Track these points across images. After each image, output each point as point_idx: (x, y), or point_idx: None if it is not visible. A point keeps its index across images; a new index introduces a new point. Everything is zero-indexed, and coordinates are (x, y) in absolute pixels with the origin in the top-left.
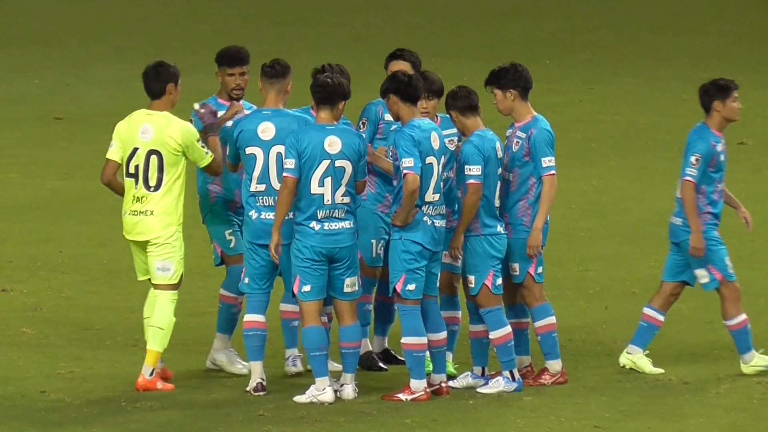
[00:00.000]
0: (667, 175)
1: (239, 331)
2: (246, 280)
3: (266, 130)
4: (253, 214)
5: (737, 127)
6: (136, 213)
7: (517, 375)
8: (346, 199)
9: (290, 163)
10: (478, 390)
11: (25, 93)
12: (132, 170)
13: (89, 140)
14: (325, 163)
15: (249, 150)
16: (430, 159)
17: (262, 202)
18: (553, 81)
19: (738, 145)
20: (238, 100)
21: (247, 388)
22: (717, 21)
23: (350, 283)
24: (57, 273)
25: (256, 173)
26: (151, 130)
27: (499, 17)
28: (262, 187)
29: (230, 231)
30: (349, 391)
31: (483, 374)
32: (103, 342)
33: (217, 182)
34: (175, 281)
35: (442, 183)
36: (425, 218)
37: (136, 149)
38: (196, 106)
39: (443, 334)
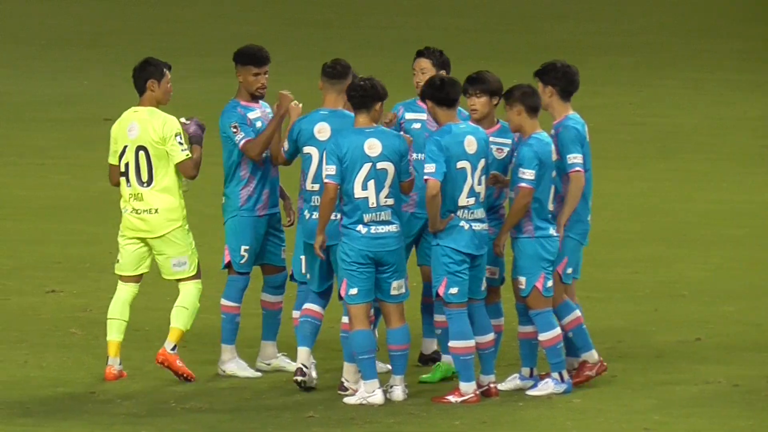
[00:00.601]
0: (712, 177)
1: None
2: (306, 274)
3: (322, 130)
4: (307, 213)
5: None
6: (138, 211)
7: (566, 376)
8: (390, 201)
9: (331, 169)
10: (527, 392)
11: (72, 94)
12: (123, 168)
13: None
14: (367, 166)
15: (306, 149)
16: (462, 163)
17: (315, 202)
18: (598, 84)
19: None
20: (261, 99)
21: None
22: (761, 24)
23: (397, 286)
24: (106, 274)
25: (311, 173)
26: (137, 126)
27: (546, 20)
28: (316, 187)
29: (247, 247)
30: (398, 392)
31: (531, 375)
32: (152, 343)
33: (251, 188)
34: (194, 272)
35: (481, 187)
36: (462, 223)
37: (125, 147)
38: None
39: (490, 336)
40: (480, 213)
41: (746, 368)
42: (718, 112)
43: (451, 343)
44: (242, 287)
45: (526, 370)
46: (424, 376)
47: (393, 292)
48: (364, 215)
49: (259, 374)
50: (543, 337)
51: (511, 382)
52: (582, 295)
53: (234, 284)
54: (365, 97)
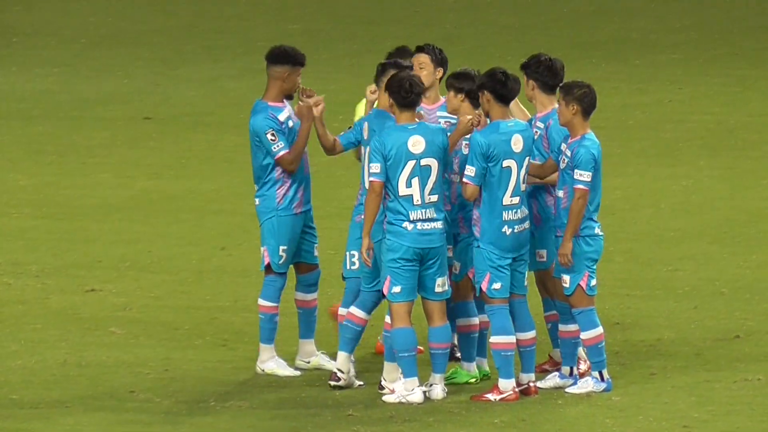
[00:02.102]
0: (756, 175)
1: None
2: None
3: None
4: (507, 229)
5: None
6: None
7: (606, 375)
8: (434, 198)
9: (376, 167)
10: (567, 390)
11: (115, 93)
12: None
13: (179, 140)
14: (411, 163)
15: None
16: (508, 162)
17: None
18: (642, 81)
19: None
20: (291, 98)
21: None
22: None
23: (441, 283)
24: (146, 273)
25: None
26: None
27: (589, 17)
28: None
29: (285, 247)
30: (438, 391)
31: (571, 374)
32: (192, 342)
33: (286, 187)
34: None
35: (525, 185)
36: (504, 228)
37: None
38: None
39: (532, 333)
40: (523, 212)
41: None
42: (763, 110)
43: (493, 339)
44: (280, 287)
45: (566, 369)
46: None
47: (437, 290)
48: (410, 212)
49: (298, 373)
50: (585, 335)
51: (551, 381)
52: (622, 293)
53: (272, 284)
54: (414, 95)
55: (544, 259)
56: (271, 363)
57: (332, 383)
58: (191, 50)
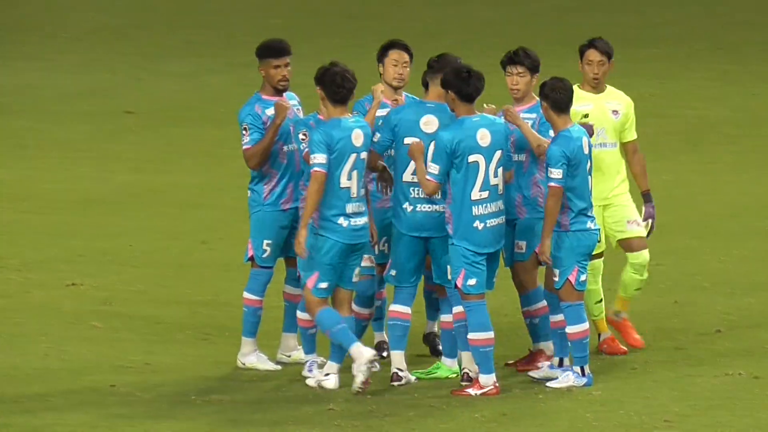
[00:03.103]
0: (737, 170)
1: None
2: (392, 272)
3: (429, 122)
4: (408, 206)
5: None
6: None
7: (587, 371)
8: (363, 191)
9: (321, 158)
10: (548, 384)
11: (96, 87)
12: None
13: (160, 134)
14: (353, 156)
15: (407, 140)
16: (475, 157)
17: (416, 194)
18: (623, 76)
19: None
20: (284, 91)
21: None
22: None
23: (358, 273)
24: (127, 267)
25: (411, 166)
26: None
27: (571, 12)
28: (485, 194)
29: (269, 242)
30: (334, 381)
31: (561, 365)
32: (173, 336)
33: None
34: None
35: (498, 180)
36: (476, 223)
37: None
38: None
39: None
40: (496, 206)
41: (767, 360)
42: (744, 105)
43: (471, 335)
44: (265, 281)
45: (556, 360)
46: (418, 371)
47: (354, 279)
48: (346, 206)
49: (279, 367)
50: (571, 329)
51: (542, 372)
52: (604, 287)
53: (257, 278)
54: (347, 90)
55: (523, 251)
56: (251, 357)
57: (395, 383)
58: (172, 45)
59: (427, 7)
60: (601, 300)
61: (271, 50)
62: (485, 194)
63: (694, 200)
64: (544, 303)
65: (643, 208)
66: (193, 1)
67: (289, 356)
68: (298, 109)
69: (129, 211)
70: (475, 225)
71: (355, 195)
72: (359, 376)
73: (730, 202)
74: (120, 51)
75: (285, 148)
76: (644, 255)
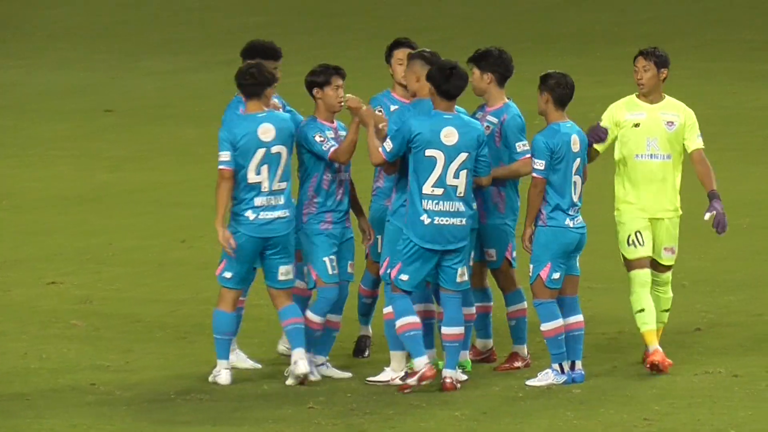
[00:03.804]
0: (717, 168)
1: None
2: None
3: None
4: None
5: None
6: None
7: (566, 368)
8: (283, 185)
9: (225, 156)
10: (527, 383)
11: (75, 85)
12: None
13: (139, 132)
14: (261, 151)
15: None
16: (433, 152)
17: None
18: (605, 73)
19: None
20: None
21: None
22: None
23: (284, 271)
24: (106, 265)
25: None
26: None
27: (553, 9)
28: (439, 191)
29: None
30: (301, 366)
31: (573, 368)
32: (152, 334)
33: None
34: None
35: (458, 180)
36: (423, 216)
37: None
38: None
39: (456, 330)
40: (451, 205)
41: (746, 358)
42: (725, 102)
43: (397, 322)
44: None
45: (568, 363)
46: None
47: (280, 278)
48: (254, 200)
49: (259, 366)
50: (544, 327)
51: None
52: (584, 285)
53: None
54: (256, 85)
55: (494, 258)
56: (231, 356)
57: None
58: (151, 43)
59: (409, 4)
60: (643, 310)
61: (263, 53)
62: (439, 191)
63: None
64: (523, 306)
65: (710, 204)
66: None
67: (289, 348)
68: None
69: (108, 210)
70: (422, 218)
71: (266, 189)
72: (211, 376)
73: (707, 200)
74: (99, 49)
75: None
76: (664, 276)
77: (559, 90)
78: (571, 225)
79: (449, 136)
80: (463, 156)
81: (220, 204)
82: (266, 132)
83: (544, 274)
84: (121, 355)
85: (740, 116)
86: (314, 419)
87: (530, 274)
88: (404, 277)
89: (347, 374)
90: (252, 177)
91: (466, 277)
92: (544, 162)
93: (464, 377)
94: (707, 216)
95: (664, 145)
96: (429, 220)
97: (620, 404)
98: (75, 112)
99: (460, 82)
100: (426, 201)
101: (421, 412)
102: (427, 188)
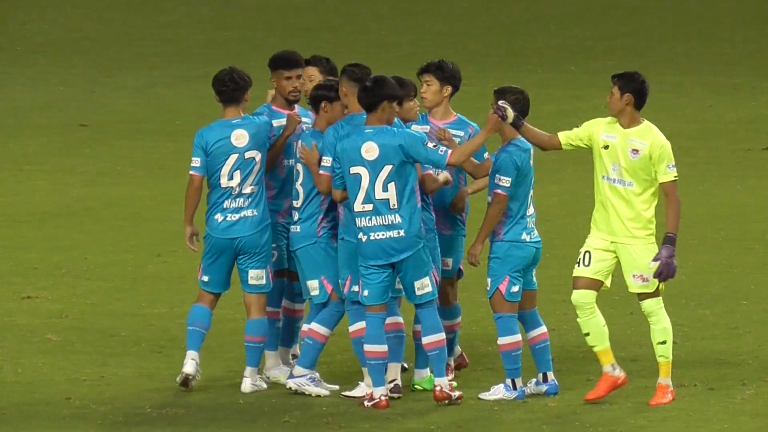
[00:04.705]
0: (691, 181)
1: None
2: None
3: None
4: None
5: (762, 132)
6: None
7: (519, 384)
8: (254, 189)
9: (196, 162)
10: (480, 396)
11: (50, 100)
12: None
13: (114, 147)
14: (234, 156)
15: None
16: (357, 169)
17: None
18: (578, 87)
19: (763, 150)
20: (295, 102)
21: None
22: (743, 28)
23: (254, 276)
24: (82, 280)
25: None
26: None
27: (525, 24)
28: (368, 207)
29: (274, 245)
30: (247, 384)
31: (546, 380)
32: (128, 349)
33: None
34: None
35: (387, 194)
36: (360, 234)
37: None
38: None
39: (436, 336)
40: (383, 219)
41: (722, 371)
42: (698, 116)
43: (366, 346)
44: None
45: (539, 376)
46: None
47: (250, 282)
48: (224, 203)
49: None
50: (501, 341)
51: (534, 387)
52: (558, 299)
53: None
54: (236, 90)
55: (449, 268)
56: (275, 370)
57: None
58: (126, 58)
59: (380, 19)
60: (588, 334)
61: (282, 61)
62: (368, 207)
63: None
64: (458, 320)
65: (659, 251)
66: (146, 14)
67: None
68: (307, 127)
69: (84, 225)
70: (360, 236)
71: (236, 192)
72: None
73: (684, 214)
74: (74, 64)
75: (285, 162)
76: (644, 304)
77: (519, 106)
78: (528, 239)
79: (369, 151)
80: (387, 169)
81: (188, 205)
82: (239, 138)
83: (503, 287)
84: (96, 369)
85: (716, 130)
86: None
87: (488, 289)
88: (365, 292)
89: (334, 387)
90: (225, 182)
91: (428, 289)
92: (510, 180)
93: (457, 394)
94: (652, 265)
95: (625, 172)
96: (365, 237)
97: (596, 417)
98: (50, 127)
99: (381, 91)
100: (359, 219)
101: (397, 426)
102: (357, 206)
